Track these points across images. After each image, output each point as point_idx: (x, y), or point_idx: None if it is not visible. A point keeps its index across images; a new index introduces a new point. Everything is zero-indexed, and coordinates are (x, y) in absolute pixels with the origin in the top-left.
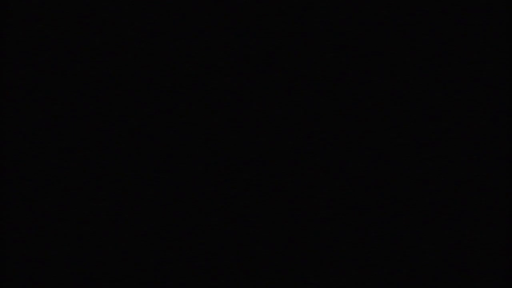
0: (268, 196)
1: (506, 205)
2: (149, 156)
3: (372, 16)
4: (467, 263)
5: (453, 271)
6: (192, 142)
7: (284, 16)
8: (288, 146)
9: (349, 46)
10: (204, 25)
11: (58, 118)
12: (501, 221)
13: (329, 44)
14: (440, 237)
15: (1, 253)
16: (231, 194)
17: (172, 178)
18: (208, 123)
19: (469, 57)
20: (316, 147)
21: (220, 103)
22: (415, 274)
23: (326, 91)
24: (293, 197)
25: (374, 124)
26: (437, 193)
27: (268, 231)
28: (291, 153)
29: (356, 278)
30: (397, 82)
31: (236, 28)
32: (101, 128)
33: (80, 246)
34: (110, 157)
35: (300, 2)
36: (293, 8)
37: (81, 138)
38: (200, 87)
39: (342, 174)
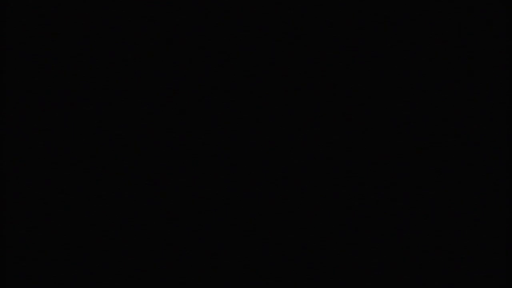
0: (269, 197)
1: (506, 205)
2: (149, 156)
3: (372, 16)
4: (467, 263)
5: (453, 271)
6: (192, 142)
7: (284, 16)
8: (288, 147)
9: (348, 46)
10: (204, 25)
11: (58, 118)
12: (501, 221)
13: (329, 44)
14: (440, 238)
15: (1, 253)
16: (232, 194)
17: (172, 179)
18: (208, 124)
19: (469, 57)
20: (315, 148)
21: (220, 103)
22: (415, 274)
23: (326, 92)
24: (294, 198)
25: (373, 124)
26: (436, 193)
27: (268, 231)
28: (291, 154)
29: (356, 278)
30: (397, 82)
31: (236, 28)
32: (101, 128)
33: (80, 246)
34: (111, 157)
35: (300, 2)
36: (293, 9)
37: (81, 138)
38: (200, 87)
39: (341, 174)
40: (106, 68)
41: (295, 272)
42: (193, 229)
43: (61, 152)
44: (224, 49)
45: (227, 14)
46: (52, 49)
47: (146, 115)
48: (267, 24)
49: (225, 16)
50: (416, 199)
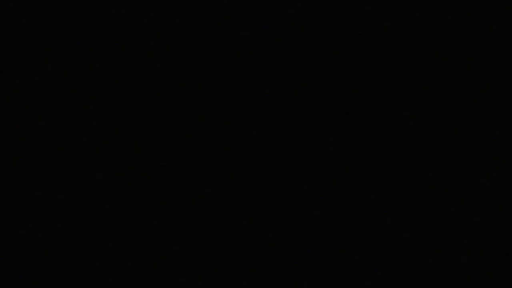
0: (269, 197)
1: (506, 205)
2: (149, 156)
3: (372, 16)
4: (467, 263)
5: (453, 271)
6: (192, 143)
7: (284, 16)
8: (288, 147)
9: (348, 46)
10: (204, 25)
11: (58, 118)
12: (501, 221)
13: (329, 44)
14: (440, 238)
15: (1, 253)
16: (232, 194)
17: (172, 179)
18: (208, 124)
19: (469, 57)
20: (315, 148)
21: (220, 103)
22: (415, 274)
23: (326, 92)
24: (294, 198)
25: (373, 124)
26: (436, 193)
27: (268, 231)
28: (291, 154)
29: (356, 278)
30: (397, 82)
31: (236, 28)
32: (101, 128)
33: (80, 246)
34: (111, 157)
35: (300, 2)
36: (293, 9)
37: (81, 138)
38: (201, 87)
39: (341, 174)
40: (106, 68)
41: (295, 272)
42: (193, 229)
43: (61, 152)
44: (224, 49)
45: (227, 14)
46: (52, 49)
47: (146, 115)
48: (267, 24)
49: (225, 16)
50: (416, 199)
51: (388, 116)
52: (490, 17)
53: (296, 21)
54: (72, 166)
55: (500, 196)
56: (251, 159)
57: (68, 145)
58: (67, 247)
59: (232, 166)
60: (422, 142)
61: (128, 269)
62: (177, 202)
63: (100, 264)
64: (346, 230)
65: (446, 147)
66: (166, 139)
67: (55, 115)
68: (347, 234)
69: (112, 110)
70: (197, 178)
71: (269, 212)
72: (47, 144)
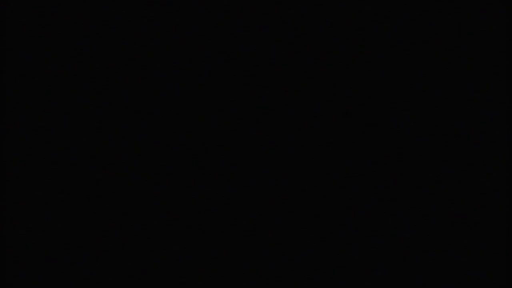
0: (269, 197)
1: (506, 205)
2: (149, 156)
3: (372, 16)
4: (467, 263)
5: (453, 271)
6: (192, 143)
7: (284, 16)
8: (288, 147)
9: (348, 46)
10: (204, 25)
11: (58, 118)
12: (501, 221)
13: (329, 44)
14: (440, 238)
15: (1, 253)
16: (232, 194)
17: (172, 179)
18: (208, 124)
19: (469, 57)
20: (315, 148)
21: (220, 103)
22: (415, 274)
23: (326, 92)
24: (293, 198)
25: (373, 124)
26: (436, 193)
27: (268, 231)
28: (291, 154)
29: (356, 278)
30: (397, 82)
31: (236, 28)
32: (101, 128)
33: (80, 246)
34: (111, 157)
35: (300, 2)
36: (293, 9)
37: (81, 138)
38: (201, 87)
39: (341, 174)
40: (106, 68)
41: (295, 272)
42: (193, 229)
43: (61, 152)
44: (224, 49)
45: (227, 14)
46: (52, 49)
47: (146, 115)
48: (267, 24)
49: (225, 16)
50: (416, 199)
51: (388, 116)
52: (490, 17)
53: (296, 21)
54: (72, 166)
55: (500, 196)
56: (251, 159)
57: (68, 145)
58: (67, 247)
59: (232, 166)
60: (422, 142)
61: (128, 269)
62: (177, 202)
63: (100, 264)
64: (346, 230)
65: (446, 147)
66: (166, 139)
67: (55, 115)
68: (347, 234)
69: (112, 110)
70: (197, 178)
71: (269, 212)
72: (47, 144)
